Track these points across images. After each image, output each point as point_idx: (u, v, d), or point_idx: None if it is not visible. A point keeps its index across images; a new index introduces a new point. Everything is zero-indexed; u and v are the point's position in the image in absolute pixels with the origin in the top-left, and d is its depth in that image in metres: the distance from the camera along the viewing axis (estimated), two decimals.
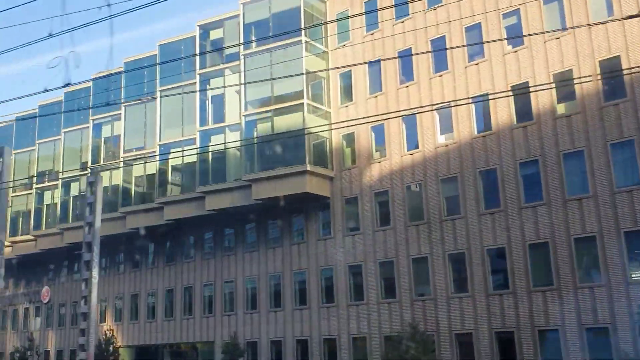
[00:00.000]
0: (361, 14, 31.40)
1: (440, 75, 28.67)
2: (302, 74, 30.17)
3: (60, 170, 42.36)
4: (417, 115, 28.59)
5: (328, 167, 31.70)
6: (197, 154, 34.25)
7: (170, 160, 36.36)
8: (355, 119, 29.90)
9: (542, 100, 25.64)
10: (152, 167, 37.65)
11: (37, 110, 44.92)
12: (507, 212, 25.92)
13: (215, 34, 36.36)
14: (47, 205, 44.25)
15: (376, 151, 30.64)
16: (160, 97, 37.05)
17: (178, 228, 37.13)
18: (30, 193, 45.18)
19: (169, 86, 36.39)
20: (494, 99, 26.48)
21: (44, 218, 43.97)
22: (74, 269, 44.78)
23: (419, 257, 28.14)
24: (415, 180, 28.83)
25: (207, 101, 35.64)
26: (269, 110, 32.23)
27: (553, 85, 25.31)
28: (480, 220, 26.57)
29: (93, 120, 41.35)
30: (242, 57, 33.57)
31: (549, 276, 24.42)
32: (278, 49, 32.27)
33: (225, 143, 33.80)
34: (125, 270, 40.94)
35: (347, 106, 31.86)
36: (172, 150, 36.04)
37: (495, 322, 25.48)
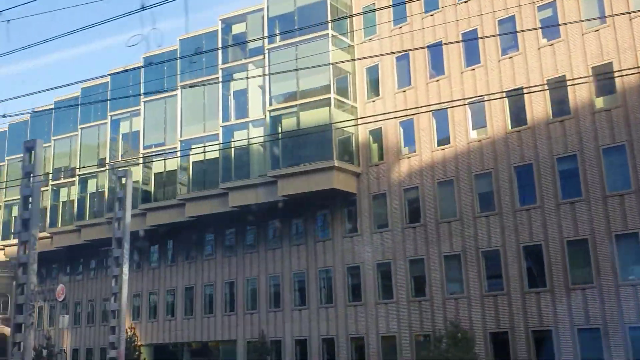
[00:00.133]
0: (388, 7, 30.88)
1: (473, 69, 28.11)
2: (329, 64, 29.53)
3: (77, 167, 41.82)
4: (449, 110, 28.07)
5: (354, 163, 31.18)
6: (219, 149, 33.71)
7: (191, 157, 35.84)
8: (385, 113, 29.30)
9: (580, 94, 25.08)
10: (173, 164, 37.11)
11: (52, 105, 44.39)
12: (543, 208, 25.37)
13: (237, 28, 35.81)
14: (63, 202, 43.72)
15: (405, 146, 30.10)
16: (181, 91, 36.49)
17: (198, 225, 36.58)
18: (47, 190, 44.54)
19: (190, 81, 35.85)
20: (529, 92, 25.94)
21: (60, 215, 43.47)
22: (90, 266, 44.34)
23: (451, 254, 27.61)
24: (447, 176, 28.25)
25: (229, 96, 35.13)
26: (295, 105, 31.74)
27: (591, 78, 24.75)
28: (515, 216, 26.03)
29: (111, 116, 40.84)
30: (266, 51, 33.03)
31: (589, 274, 23.87)
32: (303, 43, 31.73)
33: (249, 139, 33.29)
34: (144, 267, 40.41)
35: (374, 101, 31.30)
36: (193, 146, 35.55)
37: (532, 321, 24.94)
